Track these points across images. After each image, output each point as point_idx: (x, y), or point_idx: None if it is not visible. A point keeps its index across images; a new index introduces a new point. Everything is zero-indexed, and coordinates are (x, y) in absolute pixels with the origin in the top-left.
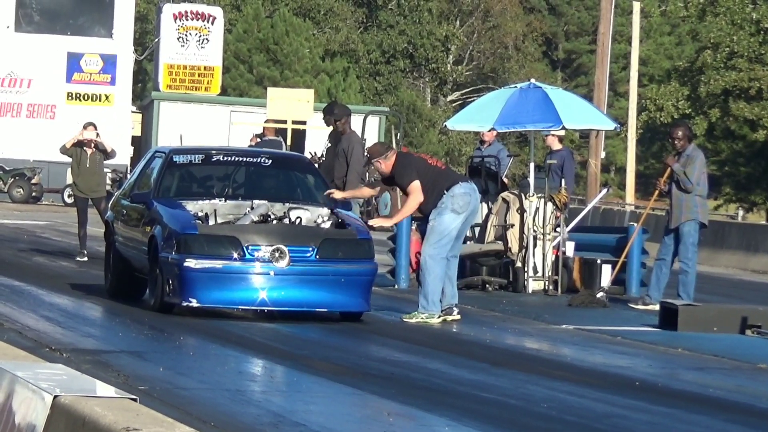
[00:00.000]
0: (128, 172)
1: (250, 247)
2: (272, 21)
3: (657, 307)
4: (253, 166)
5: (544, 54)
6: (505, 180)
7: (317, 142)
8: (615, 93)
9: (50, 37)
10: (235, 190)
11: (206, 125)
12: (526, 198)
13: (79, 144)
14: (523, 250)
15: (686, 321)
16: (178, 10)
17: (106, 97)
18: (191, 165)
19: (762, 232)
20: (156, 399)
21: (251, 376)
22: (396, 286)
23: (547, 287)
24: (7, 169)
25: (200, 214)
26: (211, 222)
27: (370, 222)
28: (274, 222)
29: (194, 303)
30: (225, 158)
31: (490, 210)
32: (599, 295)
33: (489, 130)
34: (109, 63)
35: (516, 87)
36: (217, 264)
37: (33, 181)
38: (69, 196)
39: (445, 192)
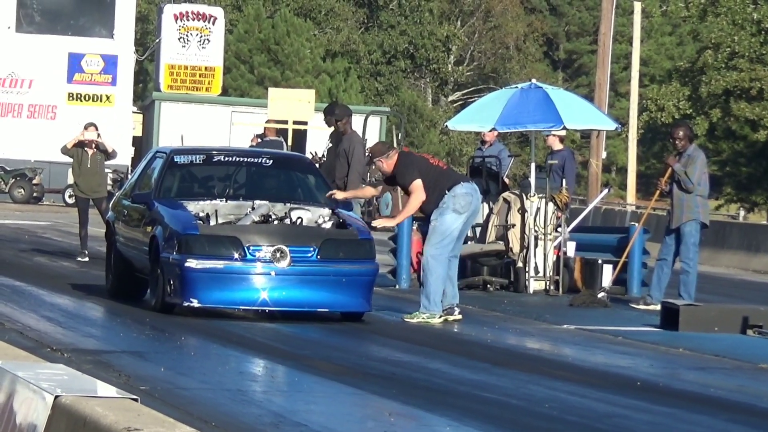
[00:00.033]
0: (129, 172)
1: (251, 248)
2: (273, 21)
3: (658, 307)
4: (254, 167)
5: (545, 54)
6: (506, 180)
7: (318, 142)
8: (616, 93)
9: (51, 38)
10: (236, 191)
11: (207, 125)
12: (527, 198)
13: (80, 144)
14: (525, 250)
15: (687, 321)
16: (179, 11)
17: (107, 98)
18: (192, 165)
19: (763, 232)
20: (157, 399)
21: (252, 376)
22: (397, 287)
23: (548, 287)
24: (8, 169)
25: (201, 214)
26: (212, 222)
27: (374, 223)
28: (275, 222)
29: (195, 303)
30: (226, 158)
31: (491, 210)
32: (600, 295)
33: (490, 131)
34: (110, 63)
35: (517, 87)
36: (218, 264)
37: (34, 181)
38: (70, 196)
39: (447, 192)
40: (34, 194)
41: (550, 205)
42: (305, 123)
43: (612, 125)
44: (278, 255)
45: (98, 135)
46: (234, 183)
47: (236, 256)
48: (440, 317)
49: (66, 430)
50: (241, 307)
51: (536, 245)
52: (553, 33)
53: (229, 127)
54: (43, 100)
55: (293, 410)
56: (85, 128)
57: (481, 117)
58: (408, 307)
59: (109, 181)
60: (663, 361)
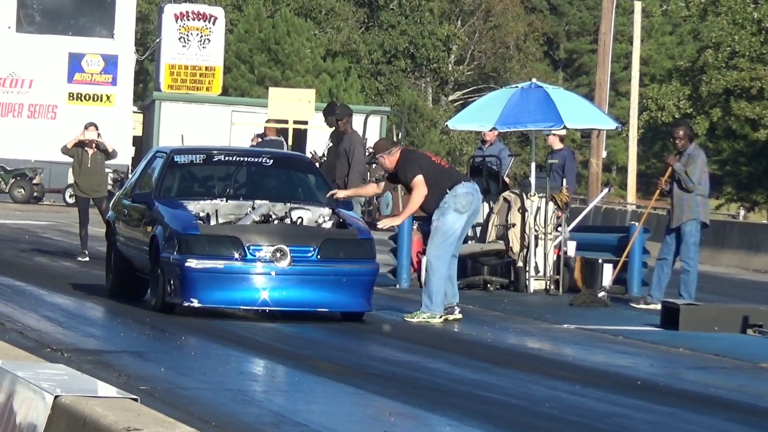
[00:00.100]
0: (129, 172)
1: (251, 247)
2: (273, 21)
3: (658, 307)
4: (255, 166)
5: (546, 54)
6: (507, 179)
7: (318, 142)
8: (616, 93)
9: (51, 38)
10: (236, 190)
11: (207, 125)
12: (527, 197)
13: (81, 144)
14: (525, 250)
15: (688, 320)
16: (179, 11)
17: (108, 98)
18: (192, 165)
19: (763, 232)
20: (157, 399)
21: (253, 375)
22: (397, 286)
23: (548, 287)
24: (9, 169)
25: (201, 214)
26: (213, 222)
27: (379, 224)
28: (276, 222)
29: (195, 303)
30: (226, 158)
31: (491, 209)
32: (601, 294)
33: (490, 130)
34: (110, 63)
35: (517, 87)
36: (219, 264)
37: (34, 181)
38: (70, 196)
39: (448, 191)
40: (35, 194)
41: (551, 204)
42: (305, 123)
43: (612, 125)
44: (278, 255)
45: (98, 135)
46: (234, 183)
47: (236, 255)
48: (441, 317)
49: (66, 430)
50: (241, 307)
51: (536, 245)
52: (553, 32)
53: (230, 127)
54: (44, 100)
55: (294, 410)
56: (86, 128)
57: (482, 116)
58: (408, 307)
59: (110, 181)
60: (663, 361)
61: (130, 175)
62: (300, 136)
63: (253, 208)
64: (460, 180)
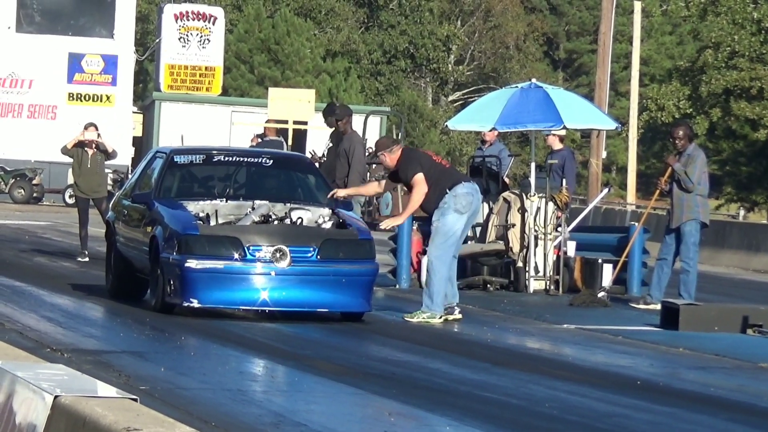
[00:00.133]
0: (129, 172)
1: (251, 248)
2: (273, 21)
3: (658, 307)
4: (254, 167)
5: (545, 54)
6: (506, 180)
7: (318, 142)
8: (616, 93)
9: (51, 38)
10: (236, 191)
11: (207, 125)
12: (527, 198)
13: (80, 144)
14: (525, 250)
15: (687, 320)
16: (179, 11)
17: (107, 98)
18: (192, 165)
19: (763, 232)
20: (157, 399)
21: (252, 376)
22: (397, 286)
23: (548, 287)
24: (9, 169)
25: (201, 214)
26: (212, 222)
27: (382, 225)
28: (275, 222)
29: (195, 303)
30: (226, 158)
31: (491, 210)
32: (600, 294)
33: (490, 130)
34: (110, 63)
35: (517, 87)
36: (219, 264)
37: (34, 181)
38: (70, 196)
39: (448, 191)
40: (34, 194)
41: (550, 204)
42: (305, 123)
43: (612, 125)
44: (278, 255)
45: (98, 135)
46: (234, 183)
47: (236, 256)
48: (441, 317)
49: (65, 430)
50: (241, 308)
51: (536, 245)
52: (553, 32)
53: (229, 127)
54: (44, 100)
55: (293, 410)
56: (85, 128)
57: (482, 117)
58: (408, 307)
59: (110, 181)
60: (663, 361)
61: (129, 176)
62: (300, 137)
63: (253, 209)
64: (460, 180)
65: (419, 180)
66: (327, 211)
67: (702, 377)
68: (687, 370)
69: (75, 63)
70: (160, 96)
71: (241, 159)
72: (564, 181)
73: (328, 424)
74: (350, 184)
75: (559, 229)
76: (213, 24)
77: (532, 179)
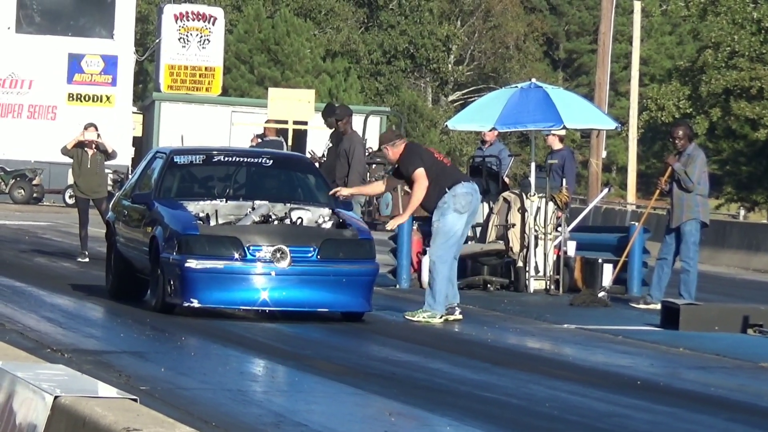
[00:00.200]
0: (129, 172)
1: (251, 248)
2: (273, 21)
3: (658, 307)
4: (254, 167)
5: (545, 54)
6: (506, 180)
7: (318, 142)
8: (616, 92)
9: (51, 38)
10: (236, 191)
11: (207, 126)
12: (527, 198)
13: (80, 145)
14: (525, 250)
15: (688, 320)
16: (179, 11)
17: (107, 98)
18: (192, 165)
19: (763, 232)
20: (157, 399)
21: (253, 376)
22: (397, 286)
23: (548, 287)
24: (9, 170)
25: (201, 214)
26: (212, 222)
27: (387, 226)
28: (275, 222)
29: (195, 303)
30: (226, 159)
31: (491, 210)
32: (601, 294)
33: (490, 130)
34: (110, 64)
35: (517, 87)
36: (219, 264)
37: (34, 182)
38: (70, 196)
39: (447, 190)
40: (34, 195)
41: (550, 204)
42: (305, 123)
43: (612, 125)
44: (278, 255)
45: (98, 135)
46: (234, 183)
47: (236, 256)
48: (441, 317)
49: (66, 431)
50: (241, 308)
51: (536, 245)
52: (553, 32)
53: (229, 127)
54: (43, 101)
55: (294, 410)
56: (85, 129)
57: (481, 116)
58: (408, 307)
59: (110, 182)
60: (663, 361)
61: (129, 176)
62: (300, 137)
63: (253, 209)
64: (460, 180)
65: (420, 175)
66: (327, 211)
67: (702, 377)
68: (687, 370)
69: (75, 63)
70: (160, 96)
71: (241, 159)
72: (564, 181)
73: (329, 424)
74: (350, 184)
75: (559, 228)
76: (213, 24)
77: (532, 179)
